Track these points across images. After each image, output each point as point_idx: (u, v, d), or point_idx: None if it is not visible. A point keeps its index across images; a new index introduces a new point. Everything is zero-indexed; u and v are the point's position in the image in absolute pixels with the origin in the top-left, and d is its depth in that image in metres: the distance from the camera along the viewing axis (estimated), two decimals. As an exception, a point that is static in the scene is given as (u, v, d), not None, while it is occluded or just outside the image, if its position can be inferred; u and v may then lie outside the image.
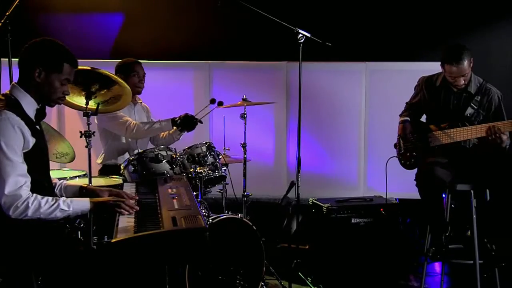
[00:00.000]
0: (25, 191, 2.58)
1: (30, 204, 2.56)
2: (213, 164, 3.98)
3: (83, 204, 2.72)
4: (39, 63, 2.70)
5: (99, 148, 4.50)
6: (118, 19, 5.78)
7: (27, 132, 2.64)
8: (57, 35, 5.49)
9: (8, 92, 2.75)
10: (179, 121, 4.20)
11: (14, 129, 2.59)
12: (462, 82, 3.85)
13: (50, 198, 2.64)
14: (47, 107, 2.86)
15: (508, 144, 3.80)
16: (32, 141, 2.67)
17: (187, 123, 4.21)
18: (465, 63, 3.76)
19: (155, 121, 4.37)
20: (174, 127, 4.27)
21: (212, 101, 4.21)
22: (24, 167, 2.61)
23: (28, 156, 2.65)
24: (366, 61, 5.48)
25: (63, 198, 2.69)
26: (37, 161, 2.74)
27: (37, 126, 2.78)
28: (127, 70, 4.35)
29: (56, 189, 2.98)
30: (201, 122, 4.26)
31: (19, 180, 2.57)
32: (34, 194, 2.60)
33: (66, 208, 2.65)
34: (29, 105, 2.74)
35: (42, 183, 2.76)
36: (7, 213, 2.55)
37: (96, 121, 4.34)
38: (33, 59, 2.72)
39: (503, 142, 3.68)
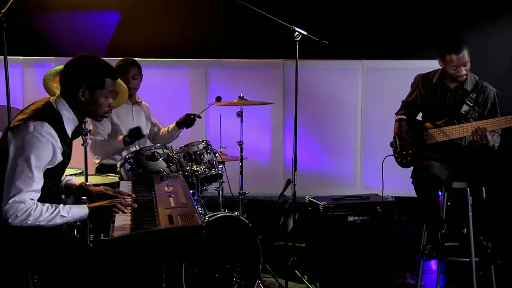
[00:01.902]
0: (29, 202, 2.57)
1: (32, 212, 2.55)
2: (210, 162, 3.98)
3: (81, 211, 2.72)
4: (82, 83, 2.71)
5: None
6: (115, 17, 5.77)
7: (59, 150, 2.66)
8: (53, 33, 5.52)
9: (53, 101, 2.74)
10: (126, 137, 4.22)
11: (48, 144, 2.60)
12: (464, 72, 3.87)
13: (50, 205, 2.64)
14: None
15: (498, 143, 3.81)
16: (59, 159, 2.68)
17: (187, 121, 4.34)
18: (466, 51, 3.82)
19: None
20: (173, 124, 4.33)
21: (218, 99, 4.24)
22: (41, 184, 2.62)
23: (47, 171, 2.65)
24: (362, 59, 5.48)
25: (62, 205, 2.68)
26: (55, 174, 2.76)
27: (69, 145, 2.79)
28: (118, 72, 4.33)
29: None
30: (200, 117, 4.31)
31: (30, 194, 2.57)
32: (36, 202, 2.59)
33: (66, 215, 2.65)
34: (70, 122, 2.75)
35: (51, 192, 2.76)
36: (6, 220, 2.53)
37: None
38: (76, 79, 2.72)
39: (489, 142, 3.69)
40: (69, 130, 2.75)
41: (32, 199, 2.57)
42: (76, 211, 2.70)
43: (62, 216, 2.63)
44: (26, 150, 2.55)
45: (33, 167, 2.55)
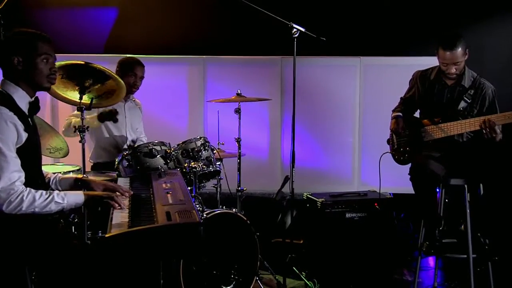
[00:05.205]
0: (19, 186, 2.57)
1: (24, 198, 2.55)
2: (208, 159, 3.98)
3: (77, 197, 2.72)
4: (14, 51, 2.71)
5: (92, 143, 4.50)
6: (113, 13, 5.76)
7: (20, 126, 2.64)
8: (51, 30, 5.46)
9: None
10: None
11: (7, 124, 2.59)
12: (454, 70, 3.86)
13: (44, 191, 2.64)
14: (40, 101, 2.85)
15: (501, 138, 3.81)
16: (25, 136, 2.66)
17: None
18: (459, 50, 3.79)
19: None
20: None
21: None
22: (18, 162, 2.61)
23: (20, 152, 2.64)
24: (360, 55, 5.48)
25: (57, 191, 2.69)
26: (30, 157, 2.73)
27: (30, 121, 2.77)
28: (126, 69, 4.36)
29: (51, 183, 2.98)
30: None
31: (13, 175, 2.57)
32: (28, 188, 2.60)
33: (61, 201, 2.64)
34: (22, 99, 2.73)
35: (34, 179, 2.75)
36: (0, 208, 2.54)
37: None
38: (7, 50, 2.72)
39: (497, 135, 3.69)
40: (24, 107, 2.74)
41: (20, 182, 2.57)
42: (72, 198, 2.69)
43: (56, 202, 2.63)
44: None
45: (3, 149, 2.55)
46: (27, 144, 2.67)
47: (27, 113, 2.75)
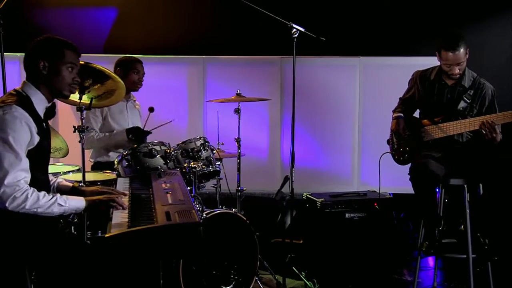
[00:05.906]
0: (24, 185, 2.58)
1: (29, 196, 2.56)
2: (207, 159, 3.98)
3: (77, 202, 2.74)
4: (41, 56, 2.75)
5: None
6: (112, 13, 5.76)
7: (34, 129, 2.66)
8: (50, 29, 5.50)
9: (19, 88, 2.78)
10: (130, 135, 4.26)
11: (21, 124, 2.60)
12: (457, 71, 3.85)
13: (47, 193, 2.65)
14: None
15: (501, 138, 3.81)
16: (37, 139, 2.68)
17: (137, 135, 4.27)
18: (462, 50, 3.78)
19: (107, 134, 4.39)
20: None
21: (151, 109, 4.28)
22: (27, 163, 2.62)
23: (31, 154, 2.65)
24: (360, 55, 5.48)
25: (59, 194, 2.70)
26: (39, 160, 2.74)
27: (44, 125, 2.79)
28: (128, 68, 4.38)
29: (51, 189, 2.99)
30: (150, 132, 4.28)
31: (20, 174, 2.58)
32: (32, 188, 2.61)
33: (63, 203, 2.66)
34: (40, 102, 2.76)
35: (40, 182, 2.76)
36: (3, 205, 2.54)
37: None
38: (35, 54, 2.76)
39: (497, 135, 3.69)
40: (40, 110, 2.76)
41: (24, 181, 2.58)
42: (73, 202, 2.71)
43: (59, 204, 2.64)
44: (2, 133, 2.56)
45: (14, 147, 2.56)
46: (38, 148, 2.69)
47: (42, 117, 2.77)
